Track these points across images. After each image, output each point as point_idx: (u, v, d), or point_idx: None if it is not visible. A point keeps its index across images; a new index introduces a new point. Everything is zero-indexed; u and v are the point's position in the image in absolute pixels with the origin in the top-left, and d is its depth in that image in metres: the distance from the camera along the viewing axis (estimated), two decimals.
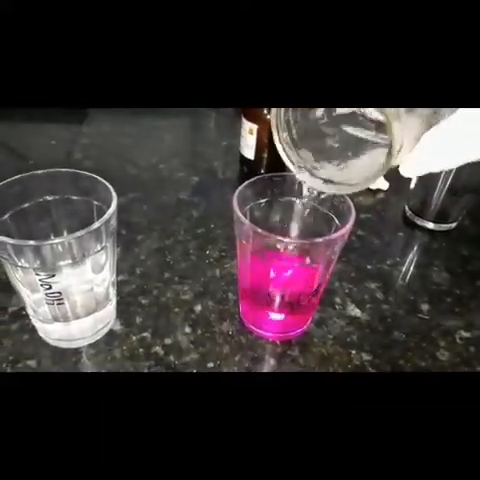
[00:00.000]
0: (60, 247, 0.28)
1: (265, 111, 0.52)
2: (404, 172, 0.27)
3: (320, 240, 0.29)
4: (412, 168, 0.27)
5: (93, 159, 0.60)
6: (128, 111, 0.71)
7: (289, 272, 0.32)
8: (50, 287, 0.29)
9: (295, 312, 0.34)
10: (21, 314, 0.37)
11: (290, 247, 0.29)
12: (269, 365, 0.35)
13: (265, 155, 0.54)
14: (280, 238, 0.29)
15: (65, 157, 0.61)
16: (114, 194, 0.31)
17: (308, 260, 0.31)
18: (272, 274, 0.32)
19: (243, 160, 0.57)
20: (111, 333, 0.36)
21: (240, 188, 0.32)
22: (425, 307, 0.41)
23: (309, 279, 0.32)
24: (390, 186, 0.57)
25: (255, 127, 0.52)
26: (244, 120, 0.54)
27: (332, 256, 0.31)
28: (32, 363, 0.34)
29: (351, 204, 0.31)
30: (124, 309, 0.38)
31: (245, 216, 0.31)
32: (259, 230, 0.29)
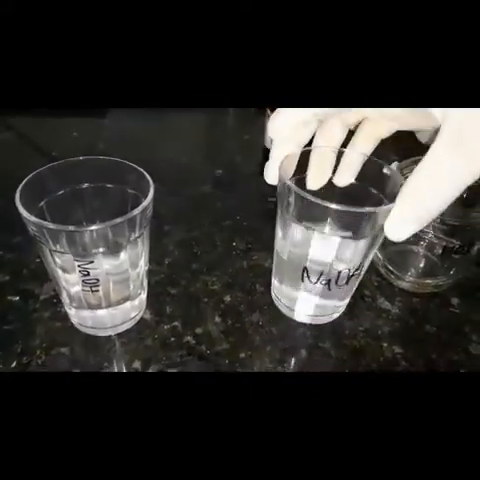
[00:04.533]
0: (100, 234, 0.28)
1: None
2: (393, 236, 0.25)
3: (372, 210, 0.27)
4: (400, 229, 0.25)
5: (116, 151, 0.60)
6: None
7: (331, 245, 0.30)
8: (88, 273, 0.30)
9: (331, 294, 0.33)
10: (52, 302, 0.37)
11: (335, 216, 0.28)
12: (301, 356, 0.35)
13: None
14: (327, 204, 0.26)
15: (88, 150, 0.61)
16: (151, 181, 0.31)
17: (353, 233, 0.29)
18: (313, 246, 0.30)
19: (267, 153, 0.57)
20: (142, 322, 0.37)
21: (283, 159, 0.31)
22: (455, 301, 0.41)
23: (352, 255, 0.30)
24: None
25: None
26: (270, 114, 0.54)
27: (379, 232, 0.29)
28: (65, 350, 0.34)
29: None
30: (154, 298, 0.38)
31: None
32: (308, 196, 0.27)
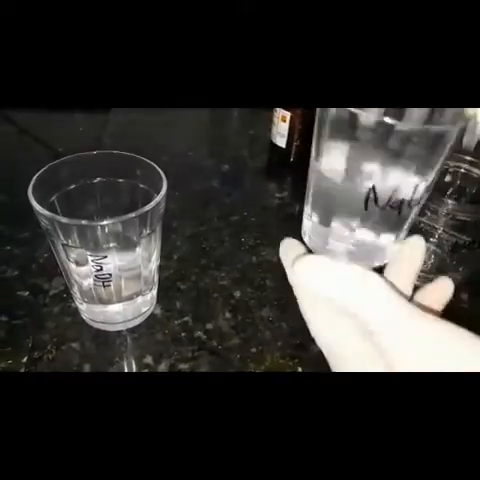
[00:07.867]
0: (111, 229, 0.28)
1: None
2: None
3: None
4: None
5: (122, 147, 0.60)
6: None
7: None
8: (101, 268, 0.29)
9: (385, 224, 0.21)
10: (62, 297, 0.37)
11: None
12: (312, 350, 0.35)
13: (298, 143, 0.54)
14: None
15: (94, 145, 0.60)
16: (164, 177, 0.30)
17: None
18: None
19: (274, 148, 0.57)
20: (152, 317, 0.36)
21: None
22: (465, 296, 0.41)
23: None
24: None
25: (288, 115, 0.52)
26: (277, 108, 0.53)
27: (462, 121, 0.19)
28: (76, 345, 0.34)
29: None
30: (164, 293, 0.38)
31: None
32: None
